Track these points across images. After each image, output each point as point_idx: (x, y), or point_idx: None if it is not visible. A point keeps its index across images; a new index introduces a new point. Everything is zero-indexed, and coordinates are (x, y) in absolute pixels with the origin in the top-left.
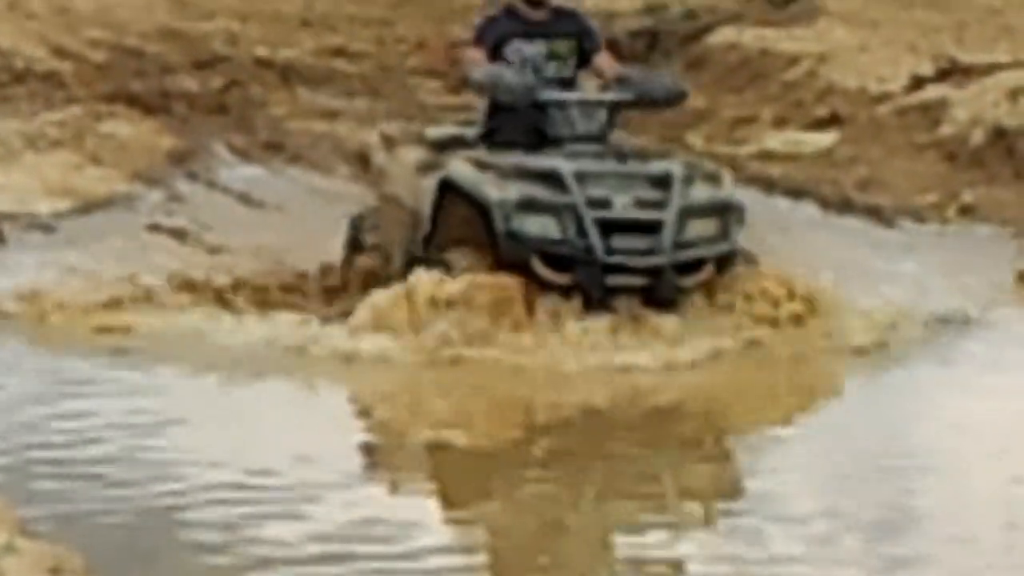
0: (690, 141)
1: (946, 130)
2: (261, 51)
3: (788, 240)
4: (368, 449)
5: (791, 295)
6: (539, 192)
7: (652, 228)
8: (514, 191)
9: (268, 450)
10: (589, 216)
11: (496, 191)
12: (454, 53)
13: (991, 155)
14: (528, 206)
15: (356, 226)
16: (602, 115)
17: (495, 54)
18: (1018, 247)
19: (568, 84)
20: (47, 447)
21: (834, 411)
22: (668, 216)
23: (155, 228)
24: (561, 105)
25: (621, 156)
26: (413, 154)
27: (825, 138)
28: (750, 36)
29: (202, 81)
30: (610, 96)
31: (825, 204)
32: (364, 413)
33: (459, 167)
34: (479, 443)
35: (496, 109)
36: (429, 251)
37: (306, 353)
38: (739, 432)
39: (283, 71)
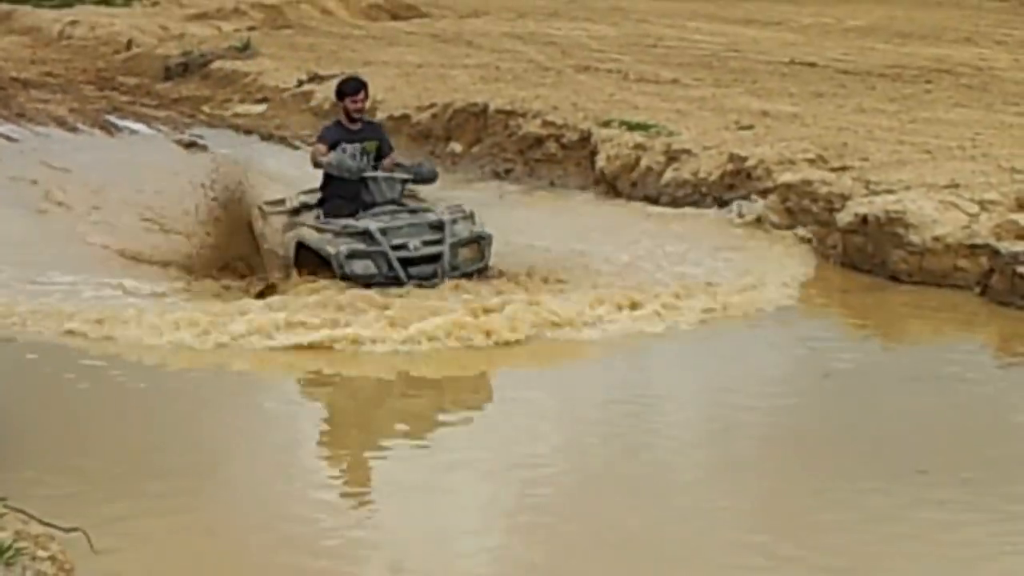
0: (206, 110)
1: (316, 100)
2: (13, 73)
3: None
4: None
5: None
6: (359, 245)
7: (435, 259)
8: (344, 246)
9: None
10: (394, 257)
11: (332, 247)
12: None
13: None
14: (353, 255)
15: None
16: (398, 187)
17: (331, 149)
18: None
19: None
20: None
21: None
22: (444, 249)
23: None
24: (375, 180)
25: (412, 211)
26: (278, 220)
27: (261, 107)
28: (229, 64)
29: None
30: (399, 175)
31: (264, 138)
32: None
33: (306, 232)
34: None
35: (328, 182)
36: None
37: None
38: None
39: (24, 83)
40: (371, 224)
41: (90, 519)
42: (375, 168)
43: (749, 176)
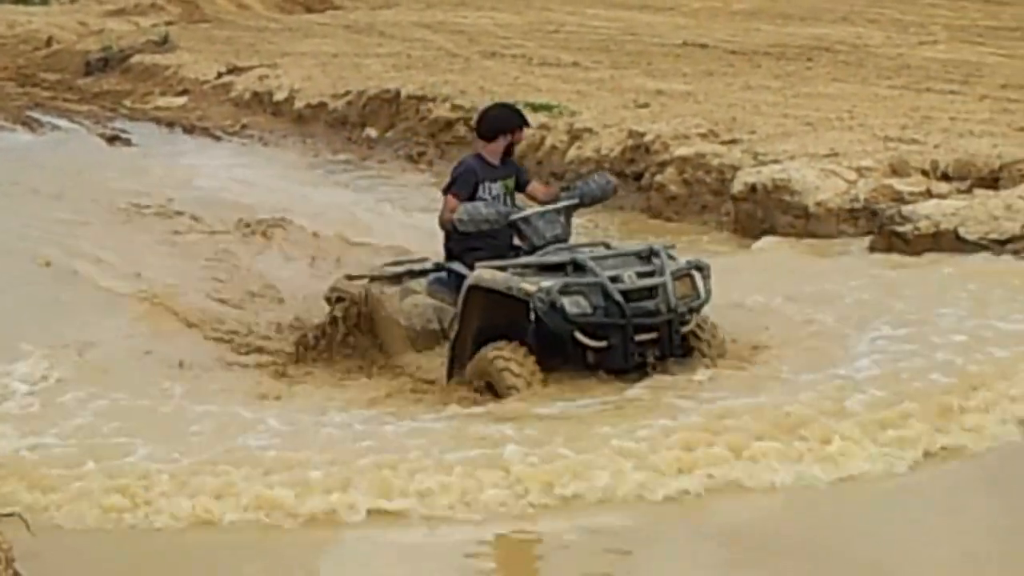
0: (127, 104)
1: (236, 91)
2: None
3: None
4: None
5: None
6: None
7: (652, 294)
8: (549, 281)
9: None
10: (614, 289)
11: (530, 284)
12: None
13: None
14: (566, 290)
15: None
16: (560, 220)
17: (472, 195)
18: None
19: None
20: None
21: None
22: (667, 280)
23: None
24: (527, 220)
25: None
26: (388, 287)
27: (181, 100)
28: (149, 58)
29: None
30: (559, 205)
31: (187, 130)
32: None
33: (484, 273)
34: None
35: (454, 233)
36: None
37: None
38: None
39: None
40: (578, 255)
41: None
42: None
43: (647, 151)
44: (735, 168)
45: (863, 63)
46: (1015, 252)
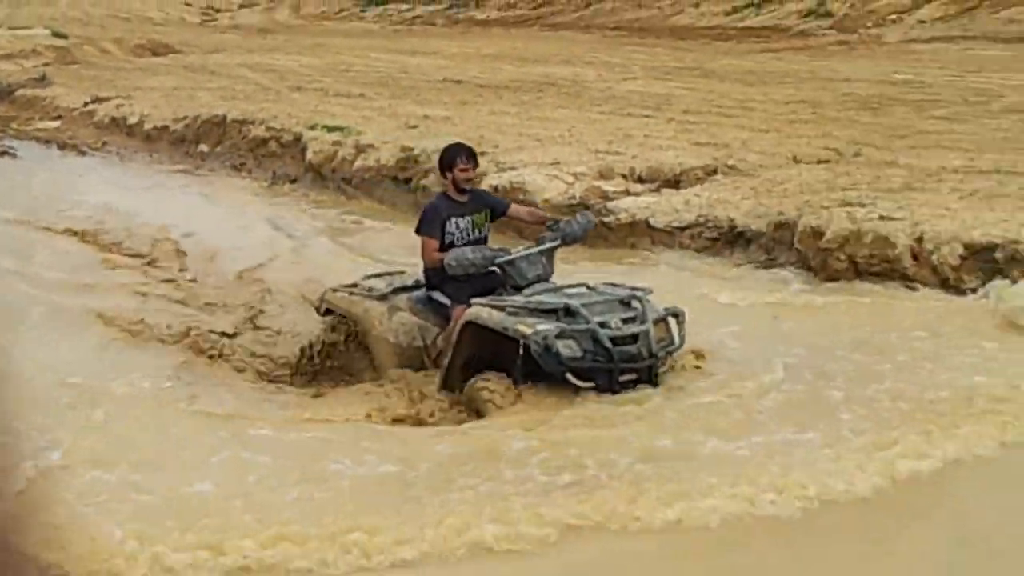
0: (13, 127)
1: (98, 116)
2: None
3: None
4: None
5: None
6: (559, 324)
7: (635, 339)
8: (545, 324)
9: None
10: (604, 335)
11: (526, 327)
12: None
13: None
14: (561, 335)
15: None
16: (542, 260)
17: (442, 229)
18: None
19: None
20: None
21: None
22: (648, 327)
23: None
24: (511, 263)
25: (568, 287)
26: (375, 304)
27: (56, 123)
28: (31, 92)
29: None
30: (542, 247)
31: (60, 147)
32: None
33: (482, 311)
34: None
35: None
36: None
37: None
38: None
39: None
40: (570, 300)
41: None
42: (482, 240)
43: (416, 161)
44: (483, 174)
45: (580, 94)
46: (692, 236)
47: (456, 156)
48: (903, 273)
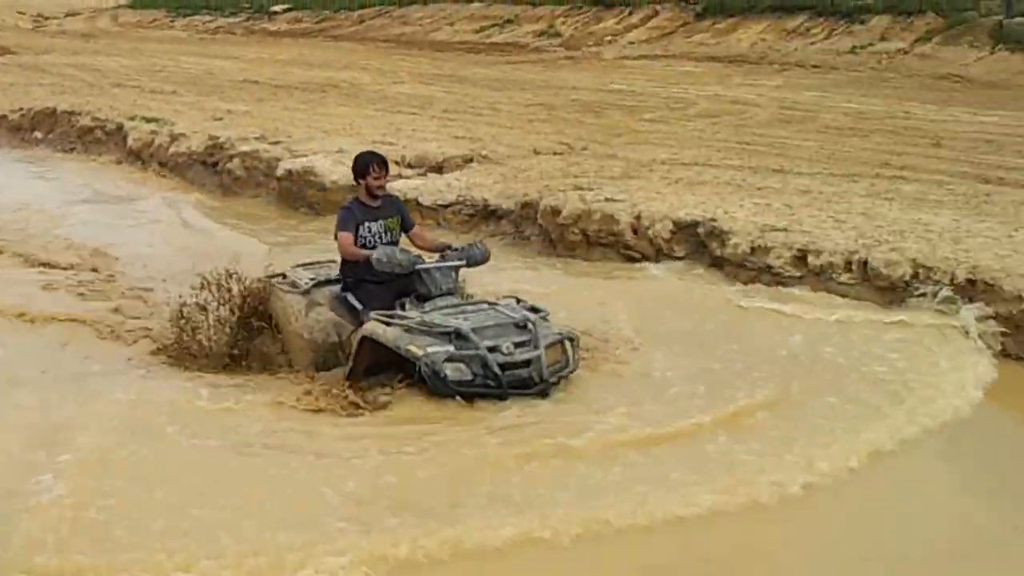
0: None
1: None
2: None
3: None
4: None
5: None
6: (449, 347)
7: (527, 363)
8: (435, 347)
9: None
10: (493, 361)
11: (418, 348)
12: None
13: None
14: (451, 359)
15: None
16: (452, 275)
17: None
18: None
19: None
20: None
21: None
22: (540, 354)
23: None
24: (428, 272)
25: (474, 304)
26: (295, 299)
27: None
28: None
29: None
30: (452, 263)
31: None
32: None
33: (377, 327)
34: None
35: (355, 265)
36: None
37: None
38: None
39: None
40: (462, 324)
41: None
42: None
43: (221, 148)
44: (278, 160)
45: (358, 95)
46: (453, 213)
47: (369, 164)
48: (626, 244)
